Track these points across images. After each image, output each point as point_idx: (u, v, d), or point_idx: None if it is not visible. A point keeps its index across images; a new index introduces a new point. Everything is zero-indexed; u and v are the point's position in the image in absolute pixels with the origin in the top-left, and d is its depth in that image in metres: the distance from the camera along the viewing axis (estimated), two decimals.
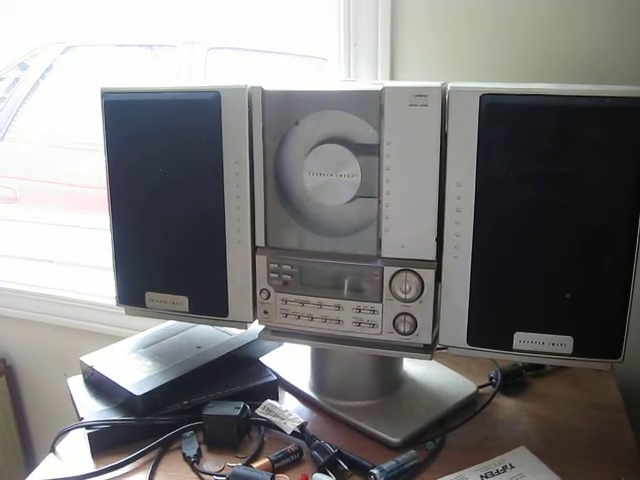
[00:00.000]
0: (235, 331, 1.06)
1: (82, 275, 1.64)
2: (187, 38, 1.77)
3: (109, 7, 1.74)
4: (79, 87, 1.85)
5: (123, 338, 1.10)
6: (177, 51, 1.82)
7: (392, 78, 1.14)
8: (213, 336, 1.06)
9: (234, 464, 0.85)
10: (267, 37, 1.65)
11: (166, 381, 0.95)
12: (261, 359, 1.06)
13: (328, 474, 0.83)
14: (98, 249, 1.53)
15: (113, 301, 1.02)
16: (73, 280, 1.63)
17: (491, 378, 1.03)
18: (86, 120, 1.77)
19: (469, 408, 0.97)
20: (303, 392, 1.01)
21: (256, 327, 0.96)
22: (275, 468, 0.85)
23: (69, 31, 1.88)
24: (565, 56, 1.07)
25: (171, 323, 1.11)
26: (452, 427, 0.93)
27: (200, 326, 1.08)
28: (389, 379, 0.99)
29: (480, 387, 1.01)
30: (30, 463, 1.73)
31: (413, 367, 1.03)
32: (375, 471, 0.82)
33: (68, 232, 1.76)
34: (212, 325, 1.05)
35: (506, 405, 0.99)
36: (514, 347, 0.84)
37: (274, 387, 1.00)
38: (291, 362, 1.07)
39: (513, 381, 1.03)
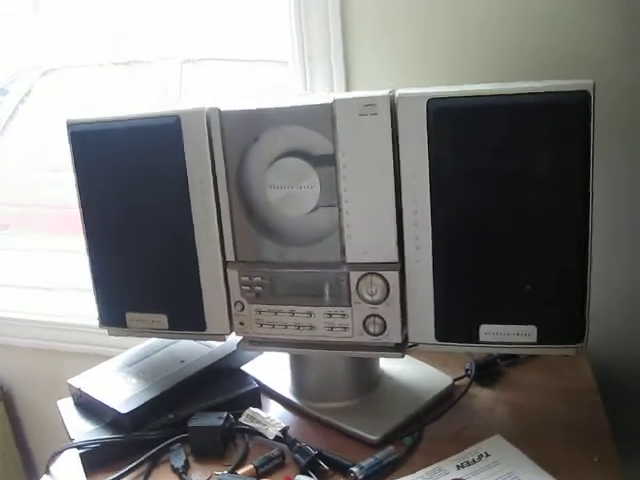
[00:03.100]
0: (216, 343, 1.09)
1: (69, 298, 1.66)
2: (161, 53, 1.80)
3: (83, 28, 1.77)
4: (59, 109, 1.87)
5: (110, 357, 1.13)
6: (152, 66, 1.84)
7: (348, 87, 1.17)
8: (195, 350, 1.09)
9: (220, 472, 0.88)
10: (238, 46, 1.68)
11: (151, 397, 0.97)
12: (243, 368, 1.09)
13: (310, 475, 0.86)
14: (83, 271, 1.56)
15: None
16: (60, 304, 1.66)
17: (466, 370, 1.06)
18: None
19: (446, 401, 1.00)
20: (284, 397, 1.04)
21: (234, 338, 0.99)
22: (259, 473, 0.88)
23: (46, 55, 1.90)
24: (514, 54, 1.10)
25: (154, 340, 1.14)
26: (429, 421, 0.96)
27: (182, 341, 1.11)
28: (366, 379, 1.02)
29: (456, 380, 1.04)
30: None
31: (390, 365, 1.06)
32: (355, 469, 0.85)
33: (53, 256, 1.78)
34: (192, 340, 1.08)
35: (482, 395, 1.02)
36: (480, 339, 0.87)
37: (257, 394, 1.03)
38: (272, 369, 1.10)
39: (488, 371, 1.06)
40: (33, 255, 1.82)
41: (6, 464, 1.71)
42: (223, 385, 1.03)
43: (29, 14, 1.89)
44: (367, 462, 0.86)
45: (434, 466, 0.87)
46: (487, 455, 0.88)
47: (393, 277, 0.87)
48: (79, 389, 1.02)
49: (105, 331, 1.06)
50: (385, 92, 0.82)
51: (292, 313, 0.92)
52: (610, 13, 1.06)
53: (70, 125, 0.97)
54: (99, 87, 1.84)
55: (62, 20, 1.81)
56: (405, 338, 0.91)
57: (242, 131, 0.89)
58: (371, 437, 0.92)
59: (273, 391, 1.06)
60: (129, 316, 1.00)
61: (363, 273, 0.88)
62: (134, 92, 1.82)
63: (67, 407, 1.04)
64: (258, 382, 1.05)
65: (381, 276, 0.87)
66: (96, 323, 1.06)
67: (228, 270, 0.94)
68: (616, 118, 1.06)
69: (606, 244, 1.06)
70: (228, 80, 1.75)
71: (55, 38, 1.85)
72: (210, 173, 0.91)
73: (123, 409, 0.95)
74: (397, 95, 0.83)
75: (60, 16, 1.82)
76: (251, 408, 0.97)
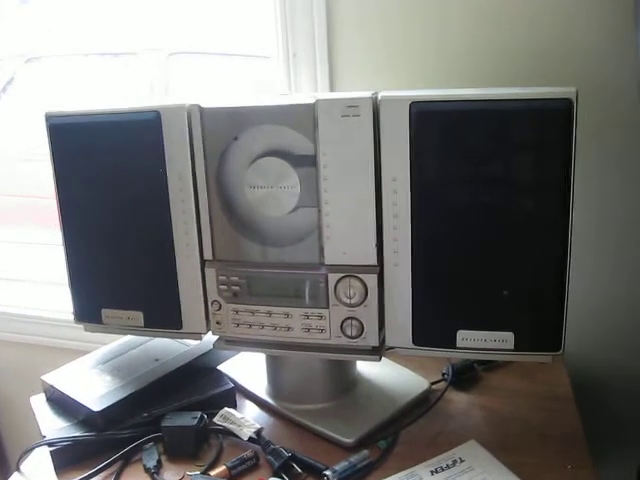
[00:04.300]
0: (192, 342, 1.08)
1: (44, 292, 1.65)
2: (147, 45, 1.78)
3: (69, 17, 1.75)
4: (42, 98, 1.85)
5: (88, 352, 1.12)
6: (138, 58, 1.83)
7: (332, 86, 1.16)
8: (171, 348, 1.08)
9: (193, 473, 0.87)
10: (224, 41, 1.67)
11: (125, 395, 0.97)
12: (218, 367, 1.08)
13: (283, 478, 0.86)
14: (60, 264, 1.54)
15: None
16: (34, 297, 1.64)
17: (443, 374, 1.06)
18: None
19: (422, 405, 1.00)
20: (260, 398, 1.03)
21: (211, 337, 0.98)
22: (232, 474, 0.87)
23: (30, 43, 1.88)
24: (500, 59, 1.10)
25: (130, 337, 1.12)
26: (404, 425, 0.95)
27: (158, 339, 1.10)
28: (343, 381, 1.02)
29: (433, 383, 1.04)
30: None
31: (368, 368, 1.06)
32: (328, 472, 0.85)
33: (24, 247, 1.77)
34: (168, 338, 1.07)
35: (458, 400, 1.02)
36: (458, 345, 0.87)
37: (232, 395, 1.02)
38: (248, 369, 1.09)
39: (465, 376, 1.06)
40: (2, 246, 1.80)
41: None
42: (198, 384, 1.02)
43: (17, 4, 1.87)
44: (341, 466, 0.86)
45: (408, 471, 0.86)
46: (461, 461, 0.88)
47: (372, 280, 0.87)
48: (52, 386, 1.01)
49: (79, 326, 1.04)
50: (368, 94, 0.82)
51: (269, 314, 0.92)
52: (596, 22, 1.06)
53: (49, 117, 0.95)
54: (83, 77, 1.82)
55: (48, 9, 1.80)
56: (382, 341, 0.90)
57: (223, 129, 0.88)
58: (346, 440, 0.91)
59: (249, 391, 1.05)
60: (105, 312, 0.99)
61: (341, 275, 0.87)
62: (119, 83, 1.81)
63: (40, 404, 1.03)
64: (234, 382, 1.05)
65: (359, 279, 0.87)
66: (72, 318, 1.04)
67: (206, 269, 0.93)
68: (600, 126, 1.06)
69: (585, 251, 1.06)
70: (213, 74, 1.74)
71: (40, 26, 1.83)
72: (189, 170, 0.90)
73: (96, 407, 0.94)
74: (380, 97, 0.82)
75: (47, 6, 1.81)
76: (226, 408, 0.96)
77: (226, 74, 1.71)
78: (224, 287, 0.93)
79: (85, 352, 1.12)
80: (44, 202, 1.80)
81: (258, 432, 0.92)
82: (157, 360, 1.05)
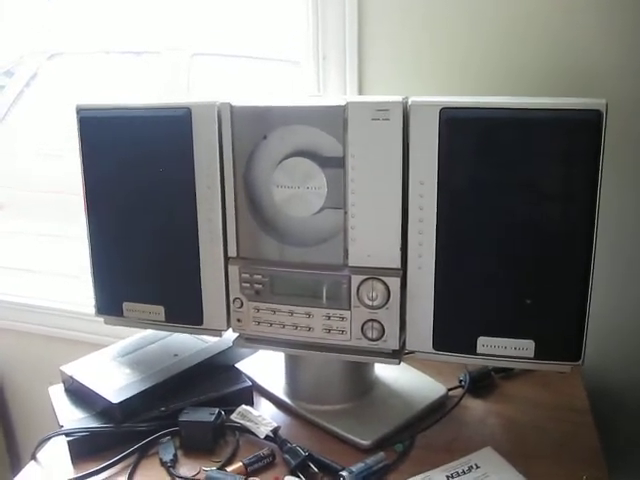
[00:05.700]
0: (211, 339, 1.08)
1: (65, 284, 1.66)
2: (171, 44, 1.79)
3: (94, 14, 1.76)
4: (65, 94, 1.86)
5: (106, 345, 1.12)
6: (161, 58, 1.84)
7: (360, 90, 1.17)
8: (190, 344, 1.09)
9: (208, 468, 0.88)
10: (249, 44, 1.68)
11: (144, 388, 0.97)
12: (237, 365, 1.08)
13: (299, 477, 0.86)
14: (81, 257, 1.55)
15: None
16: (56, 289, 1.65)
17: (460, 381, 1.06)
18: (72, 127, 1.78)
19: (439, 410, 1.00)
20: (278, 397, 1.04)
21: (231, 335, 0.98)
22: (248, 471, 0.88)
23: (54, 39, 1.89)
24: (531, 69, 1.11)
25: (149, 332, 1.13)
26: (421, 429, 0.96)
27: (177, 334, 1.11)
28: (361, 383, 1.02)
29: (450, 390, 1.04)
30: (17, 470, 1.74)
31: (385, 371, 1.06)
32: (344, 473, 0.85)
33: (47, 240, 1.78)
34: (188, 333, 1.07)
35: (475, 407, 1.02)
36: (478, 351, 0.87)
37: (249, 393, 1.03)
38: (266, 368, 1.10)
39: (482, 383, 1.06)
40: (25, 238, 1.81)
41: None
42: (216, 381, 1.03)
43: (40, 1, 1.88)
44: (357, 467, 0.86)
45: (424, 475, 0.86)
46: (477, 467, 0.88)
47: (395, 283, 0.87)
48: (71, 376, 1.02)
49: (100, 319, 1.05)
50: (398, 98, 0.82)
51: (291, 313, 0.92)
52: (626, 33, 1.06)
53: (80, 110, 0.97)
54: (105, 75, 1.83)
55: (72, 6, 1.81)
56: (402, 345, 0.91)
57: (252, 128, 0.89)
58: (362, 442, 0.92)
59: (266, 390, 1.06)
60: (126, 306, 1.00)
61: (365, 277, 0.88)
62: (141, 82, 1.82)
63: (58, 394, 1.03)
64: (252, 380, 1.05)
65: (383, 281, 0.87)
66: (91, 311, 1.05)
67: (229, 266, 0.94)
68: (627, 137, 1.07)
69: (608, 263, 1.06)
70: (238, 77, 1.75)
71: (64, 23, 1.85)
72: (217, 168, 0.91)
73: (115, 399, 0.95)
74: (410, 102, 0.83)
75: (70, 3, 1.82)
76: (243, 406, 0.97)
77: (248, 77, 1.72)
78: (247, 285, 0.93)
79: (102, 346, 1.13)
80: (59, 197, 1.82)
81: (275, 430, 0.93)
82: (176, 355, 1.06)
